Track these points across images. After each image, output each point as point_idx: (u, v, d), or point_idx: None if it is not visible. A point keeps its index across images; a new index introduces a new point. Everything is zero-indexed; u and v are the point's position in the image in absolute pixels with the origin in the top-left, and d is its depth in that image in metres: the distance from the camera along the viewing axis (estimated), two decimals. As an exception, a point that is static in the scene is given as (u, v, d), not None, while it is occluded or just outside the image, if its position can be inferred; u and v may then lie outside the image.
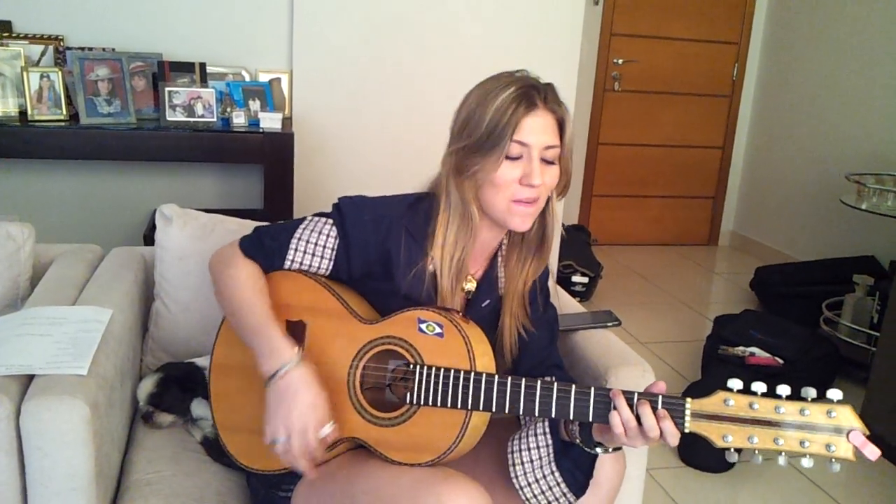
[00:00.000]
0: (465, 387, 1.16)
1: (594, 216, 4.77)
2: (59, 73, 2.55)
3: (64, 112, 2.56)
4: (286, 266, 1.30)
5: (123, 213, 2.95)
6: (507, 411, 1.15)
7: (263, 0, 2.88)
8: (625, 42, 4.52)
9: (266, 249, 1.30)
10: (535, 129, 1.20)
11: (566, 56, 3.23)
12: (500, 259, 1.37)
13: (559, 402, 1.13)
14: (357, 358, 1.24)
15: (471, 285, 1.34)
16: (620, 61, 4.54)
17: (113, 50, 2.72)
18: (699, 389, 2.47)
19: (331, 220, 1.30)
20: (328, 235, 1.29)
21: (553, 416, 1.14)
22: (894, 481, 2.39)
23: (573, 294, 3.34)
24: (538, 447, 1.25)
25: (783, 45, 4.56)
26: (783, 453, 1.03)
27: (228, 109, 2.71)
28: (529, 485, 1.25)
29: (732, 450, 1.05)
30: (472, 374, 1.16)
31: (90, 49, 2.71)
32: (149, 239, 2.63)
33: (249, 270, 1.29)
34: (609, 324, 1.58)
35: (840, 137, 4.09)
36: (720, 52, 4.69)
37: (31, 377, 1.23)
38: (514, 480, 1.25)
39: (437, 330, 1.20)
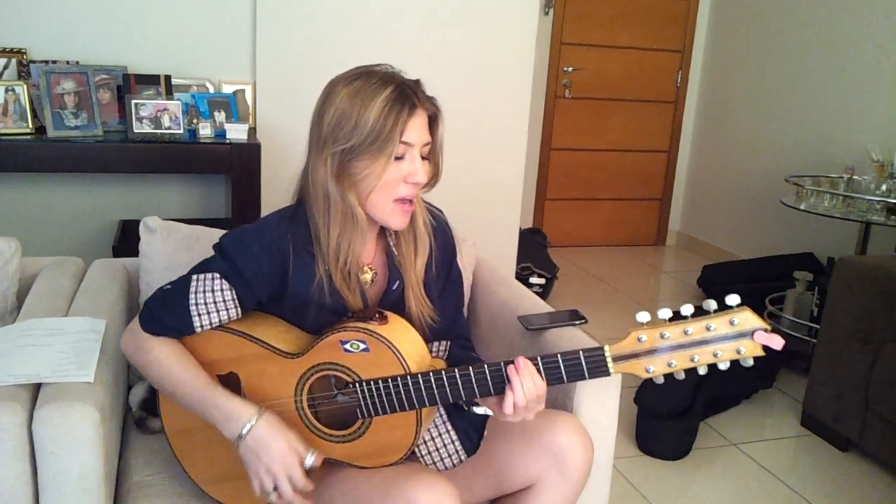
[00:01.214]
0: (407, 390, 1.21)
1: (548, 219, 4.92)
2: (24, 86, 2.57)
3: (30, 125, 2.57)
4: (197, 331, 1.28)
5: (90, 225, 2.96)
6: (450, 399, 1.22)
7: (226, 12, 2.93)
8: (574, 51, 4.68)
9: (170, 327, 1.28)
10: (416, 128, 1.24)
11: (521, 64, 3.35)
12: (389, 239, 1.39)
13: (480, 382, 1.20)
14: (298, 392, 1.28)
15: (369, 275, 1.37)
16: (570, 69, 4.69)
17: (76, 62, 2.74)
18: (654, 385, 2.61)
19: (216, 274, 1.27)
20: (221, 290, 1.27)
21: (477, 395, 1.22)
22: (839, 465, 2.56)
23: (532, 295, 3.46)
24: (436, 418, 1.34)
25: (724, 54, 4.78)
26: (702, 366, 1.12)
27: (195, 121, 2.75)
28: (425, 443, 1.33)
29: (659, 375, 1.14)
30: (409, 377, 1.21)
31: (53, 62, 2.72)
32: (119, 250, 2.65)
33: (167, 349, 1.28)
34: (576, 322, 1.68)
35: (779, 142, 4.31)
36: (665, 60, 4.89)
37: (37, 386, 1.28)
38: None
39: (362, 346, 1.24)
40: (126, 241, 2.73)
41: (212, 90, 2.91)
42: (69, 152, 2.55)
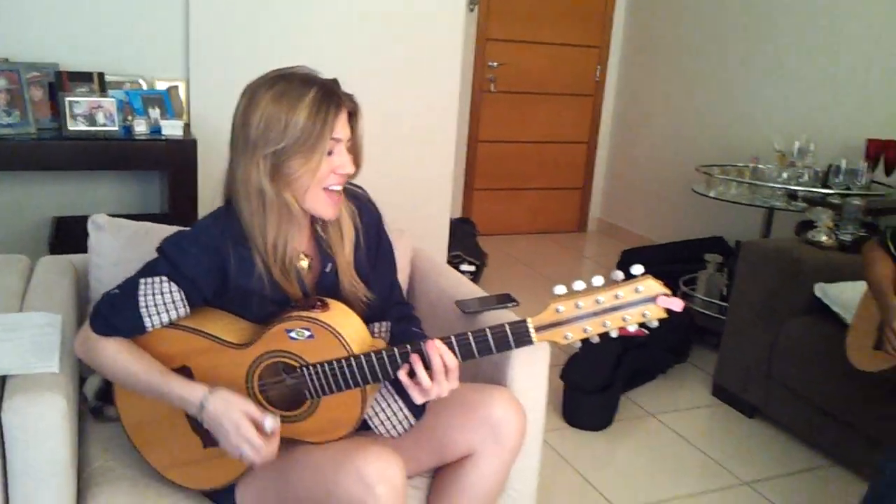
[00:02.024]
0: (350, 371, 1.32)
1: (476, 209, 5.08)
2: (-47, 84, 2.55)
3: (-40, 123, 2.56)
4: (148, 331, 1.36)
5: (22, 222, 2.95)
6: (391, 376, 1.34)
7: (158, 9, 2.95)
8: (498, 46, 4.84)
9: (122, 329, 1.35)
10: (342, 123, 1.34)
11: (449, 60, 3.47)
12: (318, 225, 1.48)
13: (403, 361, 1.33)
14: (249, 380, 1.38)
15: (306, 262, 1.46)
16: (495, 64, 4.85)
17: (6, 60, 2.73)
18: (578, 360, 2.80)
19: (163, 276, 1.34)
20: (169, 291, 1.34)
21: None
22: (746, 430, 2.80)
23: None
24: (381, 389, 1.46)
25: (640, 49, 5.02)
26: (613, 330, 1.26)
27: (129, 118, 2.78)
28: (377, 413, 1.45)
29: (576, 340, 1.27)
30: (352, 359, 1.32)
31: (-19, 60, 2.71)
32: (55, 247, 2.67)
33: (119, 346, 1.36)
34: (509, 305, 1.83)
35: (691, 133, 4.58)
36: (584, 55, 5.10)
37: (2, 378, 1.34)
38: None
39: (307, 334, 1.34)
40: (61, 238, 2.74)
41: (145, 87, 2.93)
42: (2, 150, 2.55)
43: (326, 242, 1.48)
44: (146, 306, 1.34)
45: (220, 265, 1.37)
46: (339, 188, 1.38)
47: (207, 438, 1.39)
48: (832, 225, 2.85)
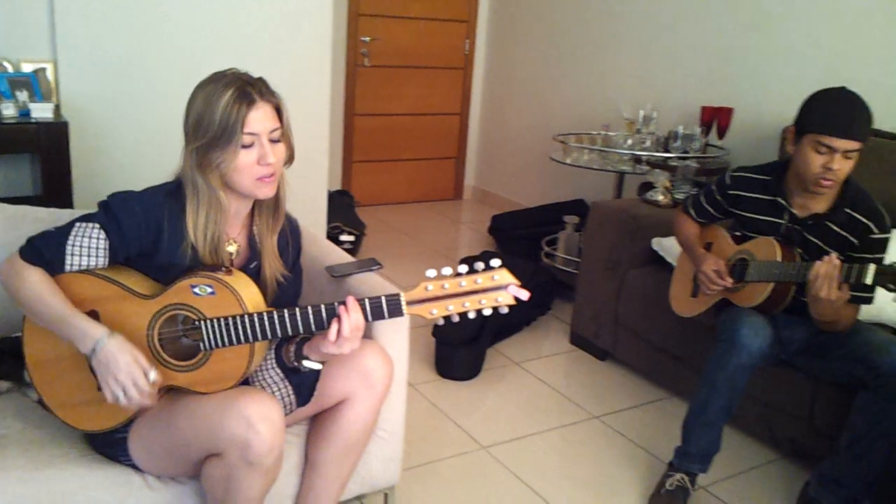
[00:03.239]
0: (244, 327, 1.48)
1: (355, 181, 5.24)
2: None
3: None
4: (66, 269, 1.51)
5: None
6: (279, 334, 1.51)
7: (19, -9, 2.94)
8: (370, 21, 4.98)
9: (45, 258, 1.49)
10: (259, 119, 1.49)
11: (320, 37, 3.59)
12: (255, 226, 1.66)
13: (303, 320, 1.50)
14: (150, 327, 1.52)
15: (234, 247, 1.63)
16: (367, 39, 4.99)
17: None
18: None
19: (97, 225, 1.50)
20: (97, 238, 1.50)
21: (301, 332, 1.51)
22: (600, 372, 3.14)
23: (342, 251, 3.78)
24: (273, 373, 1.67)
25: (505, 23, 5.28)
26: (472, 311, 1.47)
27: (-4, 101, 2.78)
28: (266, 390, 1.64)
29: (439, 317, 1.48)
30: (246, 316, 1.48)
31: None
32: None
33: (38, 276, 1.49)
34: (373, 268, 2.03)
35: (552, 104, 4.89)
36: (453, 29, 5.31)
37: None
38: None
39: (209, 290, 1.50)
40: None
41: (10, 69, 2.93)
42: None
43: (257, 237, 1.66)
44: (72, 246, 1.50)
45: (154, 230, 1.52)
46: (268, 174, 1.53)
47: None
48: (669, 185, 3.21)
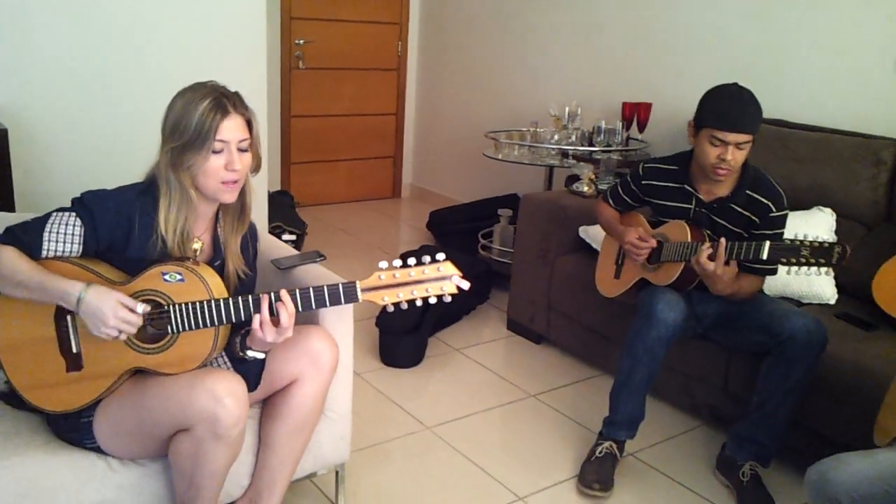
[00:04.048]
0: (210, 311, 1.61)
1: (294, 181, 5.33)
2: None
3: None
4: (43, 255, 1.60)
5: None
6: (242, 318, 1.63)
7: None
8: (303, 24, 5.08)
9: (22, 241, 1.59)
10: (231, 128, 1.62)
11: (254, 41, 3.65)
12: (220, 224, 1.81)
13: (255, 305, 1.63)
14: None
15: (199, 245, 1.74)
16: (302, 42, 5.09)
17: None
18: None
19: (74, 213, 1.61)
20: (74, 225, 1.61)
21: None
22: (535, 355, 3.32)
23: (284, 250, 3.87)
24: (221, 361, 1.79)
25: (436, 25, 5.44)
26: (420, 298, 1.62)
27: (-68, 110, 2.79)
28: None
29: (390, 304, 1.63)
30: (213, 301, 1.61)
31: None
32: None
33: (15, 252, 1.58)
34: (317, 259, 2.16)
35: (483, 101, 5.07)
36: (385, 32, 5.45)
37: None
38: None
39: (179, 277, 1.62)
40: None
41: (-55, 78, 2.94)
42: None
43: (221, 242, 1.78)
44: (49, 232, 1.61)
45: (125, 225, 1.63)
46: (233, 180, 1.66)
47: (72, 363, 1.63)
48: (593, 177, 3.41)
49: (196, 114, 1.60)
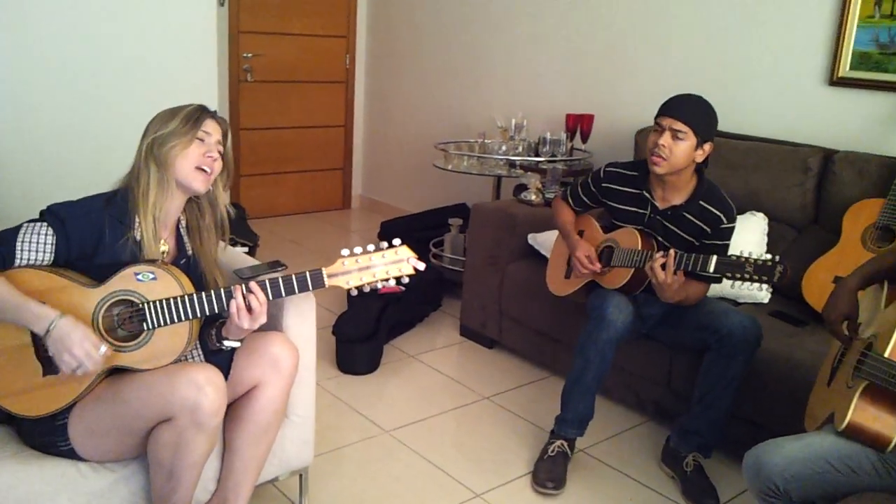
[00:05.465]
0: (184, 306, 1.69)
1: (244, 194, 5.34)
2: None
3: None
4: (17, 264, 1.66)
5: None
6: (216, 310, 1.72)
7: None
8: (252, 38, 5.11)
9: None
10: (213, 127, 1.81)
11: (204, 53, 3.66)
12: (182, 229, 1.90)
13: (227, 297, 1.73)
14: (96, 312, 1.68)
15: (165, 247, 1.83)
16: (250, 55, 5.12)
17: None
18: (345, 316, 3.25)
19: (45, 223, 1.68)
20: (45, 234, 1.68)
21: (226, 308, 1.73)
22: (488, 359, 3.42)
23: (238, 262, 3.90)
24: (195, 353, 1.86)
25: (382, 39, 5.53)
26: (380, 280, 1.75)
27: None
28: None
29: (354, 287, 1.75)
30: (186, 296, 1.69)
31: None
32: None
33: None
34: (278, 269, 2.21)
35: (432, 113, 5.18)
36: (333, 45, 5.51)
37: None
38: None
39: (151, 276, 1.70)
40: None
41: None
42: None
43: (184, 239, 1.89)
44: (22, 241, 1.67)
45: (95, 233, 1.70)
46: (209, 166, 1.79)
47: (48, 367, 1.67)
48: (540, 186, 3.54)
49: (185, 111, 1.78)
